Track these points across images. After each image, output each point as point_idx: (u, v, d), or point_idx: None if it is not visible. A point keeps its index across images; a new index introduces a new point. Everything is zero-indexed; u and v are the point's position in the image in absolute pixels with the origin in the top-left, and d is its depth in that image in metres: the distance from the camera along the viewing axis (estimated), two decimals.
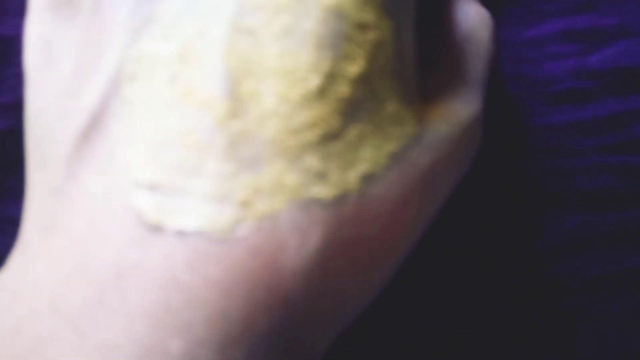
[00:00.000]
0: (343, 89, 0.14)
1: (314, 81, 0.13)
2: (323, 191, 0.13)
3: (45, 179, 0.14)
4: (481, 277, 0.20)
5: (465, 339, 0.20)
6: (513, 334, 0.20)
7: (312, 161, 0.13)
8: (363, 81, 0.14)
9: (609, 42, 0.22)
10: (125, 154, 0.13)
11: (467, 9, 0.18)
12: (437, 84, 0.17)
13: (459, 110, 0.16)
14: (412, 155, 0.15)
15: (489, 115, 0.21)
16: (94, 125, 0.14)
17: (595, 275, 0.20)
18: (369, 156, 0.14)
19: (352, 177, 0.14)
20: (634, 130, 0.21)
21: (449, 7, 0.19)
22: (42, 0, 0.16)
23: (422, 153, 0.15)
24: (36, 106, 0.16)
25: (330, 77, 0.14)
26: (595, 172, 0.21)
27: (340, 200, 0.13)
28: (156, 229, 0.13)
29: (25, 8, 0.21)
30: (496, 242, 0.21)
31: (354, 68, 0.14)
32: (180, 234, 0.12)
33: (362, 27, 0.14)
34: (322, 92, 0.13)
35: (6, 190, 0.20)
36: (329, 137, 0.14)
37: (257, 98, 0.13)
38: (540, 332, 0.20)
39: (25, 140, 0.19)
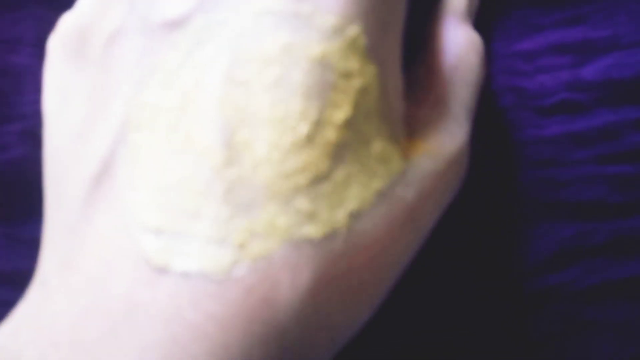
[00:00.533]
0: (330, 134, 0.15)
1: (303, 129, 0.14)
2: (313, 230, 0.14)
3: (61, 218, 0.16)
4: (475, 284, 0.21)
5: (463, 341, 0.20)
6: (507, 339, 0.21)
7: (303, 203, 0.14)
8: (349, 125, 0.15)
9: (601, 54, 0.22)
10: (132, 198, 0.14)
11: (456, 34, 0.19)
12: (423, 118, 0.18)
13: (444, 144, 0.17)
14: (398, 191, 0.16)
15: (480, 128, 0.22)
16: (104, 170, 0.15)
17: (590, 285, 0.21)
18: (356, 195, 0.15)
19: (341, 215, 0.15)
20: (627, 140, 0.21)
21: (437, 33, 0.19)
22: (58, 49, 0.17)
23: (408, 189, 0.16)
24: (53, 148, 0.17)
25: (318, 124, 0.14)
26: (588, 183, 0.21)
27: (329, 237, 0.14)
28: (162, 270, 0.14)
29: (40, 37, 0.22)
30: (489, 252, 0.21)
31: (340, 114, 0.15)
32: (184, 275, 0.14)
33: (347, 75, 0.15)
34: (310, 139, 0.14)
35: (23, 213, 0.21)
36: (318, 180, 0.14)
37: (250, 146, 0.14)
38: (534, 340, 0.21)
39: (43, 176, 0.21)
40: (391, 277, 0.16)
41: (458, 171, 0.17)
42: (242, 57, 0.15)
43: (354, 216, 0.15)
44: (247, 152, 0.14)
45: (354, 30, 0.15)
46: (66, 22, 0.18)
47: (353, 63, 0.15)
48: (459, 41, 0.19)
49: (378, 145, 0.15)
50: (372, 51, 0.15)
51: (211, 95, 0.14)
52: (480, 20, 0.22)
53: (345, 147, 0.15)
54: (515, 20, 0.22)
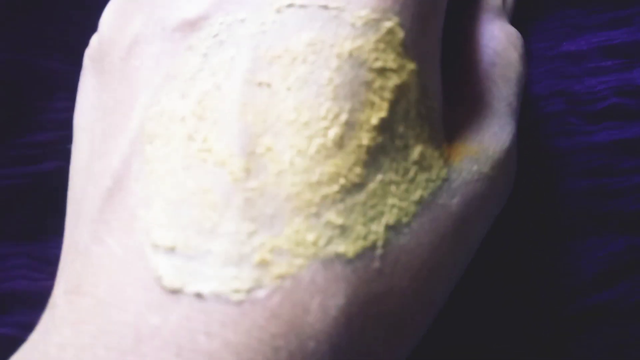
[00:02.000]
0: (364, 138, 0.13)
1: (332, 132, 0.13)
2: (345, 247, 0.13)
3: (75, 239, 0.15)
4: (516, 304, 0.20)
5: None
6: None
7: (333, 215, 0.13)
8: (385, 128, 0.14)
9: None
10: (145, 215, 0.13)
11: (493, 29, 0.18)
12: (464, 118, 0.16)
13: (489, 145, 0.16)
14: (441, 200, 0.14)
15: (524, 133, 0.20)
16: (116, 186, 0.14)
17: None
18: (394, 205, 0.14)
19: (377, 228, 0.13)
20: None
21: (473, 29, 0.18)
22: (88, 66, 0.17)
23: (452, 197, 0.14)
24: (75, 166, 0.16)
25: (350, 127, 0.13)
26: (639, 193, 0.20)
27: (364, 254, 0.13)
28: (175, 292, 0.13)
29: (71, 41, 0.21)
30: (532, 268, 0.20)
31: (375, 115, 0.14)
32: (199, 297, 0.12)
33: (382, 72, 0.14)
34: (341, 144, 0.13)
35: (52, 231, 0.20)
36: (351, 189, 0.13)
37: (273, 153, 0.13)
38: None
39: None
40: (438, 300, 0.15)
41: (507, 174, 0.16)
42: (264, 57, 0.14)
43: (392, 230, 0.13)
44: (270, 161, 0.13)
45: (390, 23, 0.14)
46: (94, 38, 0.17)
47: (390, 59, 0.14)
48: (496, 36, 0.18)
49: (418, 150, 0.14)
50: (410, 46, 0.14)
51: (230, 100, 0.14)
52: (519, 20, 0.21)
53: (381, 152, 0.14)
54: (556, 21, 0.22)
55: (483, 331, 0.19)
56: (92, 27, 0.18)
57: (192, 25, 0.14)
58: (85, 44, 0.18)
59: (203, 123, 0.14)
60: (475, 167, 0.15)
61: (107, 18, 0.17)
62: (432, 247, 0.14)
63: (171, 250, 0.13)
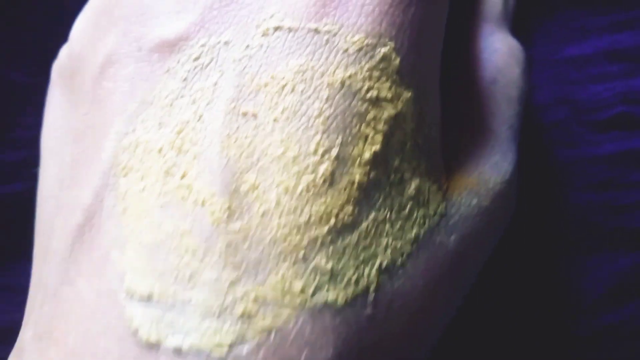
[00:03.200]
0: (356, 174, 0.13)
1: (322, 169, 0.12)
2: (335, 294, 0.12)
3: (44, 277, 0.14)
4: (522, 324, 0.19)
5: None
6: None
7: (322, 260, 0.12)
8: (380, 162, 0.13)
9: None
10: (119, 258, 0.12)
11: (494, 41, 0.17)
12: (464, 144, 0.15)
13: (489, 176, 0.15)
14: (438, 237, 0.13)
15: (527, 143, 0.19)
16: (88, 223, 0.13)
17: None
18: (388, 246, 0.13)
19: (369, 272, 0.12)
20: None
21: (474, 42, 0.17)
22: (56, 81, 0.16)
23: (449, 234, 0.14)
24: (42, 194, 0.15)
25: (341, 163, 0.12)
26: None
27: (356, 301, 0.12)
28: (152, 346, 0.12)
29: (42, 52, 0.20)
30: (537, 286, 0.19)
31: (368, 149, 0.13)
32: (177, 352, 0.12)
33: (376, 102, 0.13)
34: (331, 180, 0.12)
35: (20, 257, 0.19)
36: (342, 230, 0.12)
37: (259, 191, 0.12)
38: None
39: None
40: (433, 339, 0.14)
41: (506, 207, 0.15)
42: (250, 85, 0.13)
43: (386, 272, 0.13)
44: (255, 200, 0.12)
45: (385, 49, 0.13)
46: (63, 50, 0.16)
47: (384, 88, 0.13)
48: (497, 50, 0.17)
49: (414, 184, 0.13)
50: (406, 73, 0.13)
51: (212, 131, 0.12)
52: (519, 22, 0.20)
53: (375, 188, 0.13)
54: (558, 23, 0.21)
55: (489, 353, 0.19)
56: (66, 39, 0.17)
57: (171, 46, 0.13)
58: (56, 56, 0.17)
59: (182, 156, 0.13)
60: (475, 201, 0.14)
61: (78, 31, 0.16)
62: (428, 288, 0.13)
63: (147, 298, 0.12)
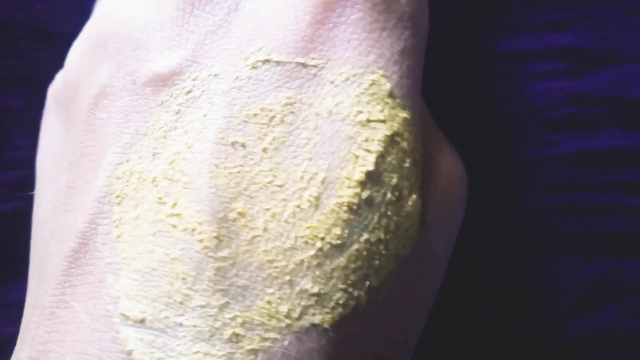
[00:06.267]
0: (346, 195, 0.13)
1: (307, 193, 0.13)
2: (321, 317, 0.13)
3: (39, 299, 0.14)
4: (496, 336, 0.19)
5: None
6: None
7: (308, 283, 0.13)
8: (373, 181, 0.13)
9: (598, 67, 0.20)
10: (113, 283, 0.13)
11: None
12: None
13: (445, 169, 0.15)
14: (421, 248, 0.14)
15: (483, 142, 0.19)
16: (83, 248, 0.14)
17: (628, 329, 0.19)
18: (381, 267, 0.13)
19: (358, 294, 0.13)
20: None
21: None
22: (52, 105, 0.16)
23: (431, 242, 0.14)
24: (37, 217, 0.15)
25: (327, 186, 0.13)
26: (614, 212, 0.19)
27: (343, 322, 0.13)
28: None
29: (32, 76, 0.20)
30: (508, 295, 0.19)
31: (359, 170, 0.13)
32: None
33: (367, 124, 0.13)
34: (316, 204, 0.13)
35: (11, 274, 0.20)
36: (329, 253, 0.13)
37: (246, 219, 0.13)
38: None
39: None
40: (415, 340, 0.15)
41: (463, 195, 0.16)
42: (239, 116, 0.13)
43: (375, 292, 0.13)
44: (243, 227, 0.13)
45: (373, 76, 0.14)
46: (59, 76, 0.16)
47: (376, 110, 0.13)
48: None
49: (411, 201, 0.14)
50: (400, 96, 0.14)
51: (201, 161, 0.13)
52: (465, 14, 0.20)
53: (368, 208, 0.13)
54: (501, 16, 0.20)
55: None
56: (57, 63, 0.17)
57: (164, 80, 0.14)
58: (47, 80, 0.17)
59: (174, 186, 0.13)
60: (440, 197, 0.15)
61: (73, 59, 0.16)
62: (411, 299, 0.14)
63: (140, 322, 0.12)
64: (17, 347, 0.14)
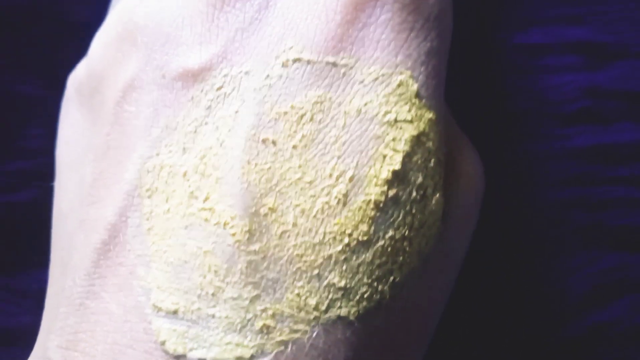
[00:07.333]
0: (372, 194, 0.13)
1: (336, 190, 0.13)
2: (347, 310, 0.13)
3: (65, 287, 0.14)
4: (508, 328, 0.19)
5: None
6: None
7: (335, 277, 0.13)
8: (400, 180, 0.13)
9: (612, 60, 0.20)
10: (145, 275, 0.13)
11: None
12: None
13: (468, 171, 0.16)
14: (444, 245, 0.14)
15: (496, 135, 0.20)
16: (112, 241, 0.14)
17: (639, 323, 0.19)
18: (405, 263, 0.13)
19: (383, 288, 0.13)
20: None
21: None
22: (73, 95, 0.16)
23: (450, 238, 0.15)
24: (60, 208, 0.16)
25: (355, 183, 0.13)
26: (628, 207, 0.19)
27: (368, 315, 0.13)
28: (177, 358, 0.12)
29: (49, 65, 0.20)
30: (520, 288, 0.19)
31: (386, 168, 0.13)
32: None
33: (395, 124, 0.13)
34: (344, 201, 0.13)
35: (27, 263, 0.20)
36: (356, 248, 0.13)
37: (277, 214, 0.13)
38: None
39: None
40: (430, 339, 0.15)
41: (481, 193, 0.16)
42: (270, 113, 0.13)
43: (400, 286, 0.13)
44: (274, 222, 0.13)
45: (402, 77, 0.14)
46: (81, 66, 0.16)
47: (403, 111, 0.14)
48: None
49: (435, 200, 0.14)
50: (427, 97, 0.14)
51: (233, 157, 0.13)
52: (479, 7, 0.20)
53: (394, 206, 0.13)
54: (515, 10, 0.20)
55: (478, 357, 0.19)
56: (74, 52, 0.17)
57: (194, 75, 0.14)
58: (64, 68, 0.17)
59: (205, 180, 0.13)
60: (462, 199, 0.15)
61: (98, 50, 0.16)
62: (431, 294, 0.14)
63: (173, 314, 0.13)
64: (42, 337, 0.15)
